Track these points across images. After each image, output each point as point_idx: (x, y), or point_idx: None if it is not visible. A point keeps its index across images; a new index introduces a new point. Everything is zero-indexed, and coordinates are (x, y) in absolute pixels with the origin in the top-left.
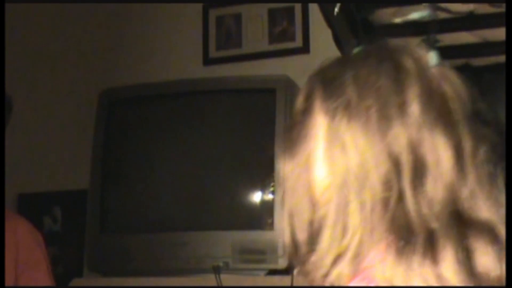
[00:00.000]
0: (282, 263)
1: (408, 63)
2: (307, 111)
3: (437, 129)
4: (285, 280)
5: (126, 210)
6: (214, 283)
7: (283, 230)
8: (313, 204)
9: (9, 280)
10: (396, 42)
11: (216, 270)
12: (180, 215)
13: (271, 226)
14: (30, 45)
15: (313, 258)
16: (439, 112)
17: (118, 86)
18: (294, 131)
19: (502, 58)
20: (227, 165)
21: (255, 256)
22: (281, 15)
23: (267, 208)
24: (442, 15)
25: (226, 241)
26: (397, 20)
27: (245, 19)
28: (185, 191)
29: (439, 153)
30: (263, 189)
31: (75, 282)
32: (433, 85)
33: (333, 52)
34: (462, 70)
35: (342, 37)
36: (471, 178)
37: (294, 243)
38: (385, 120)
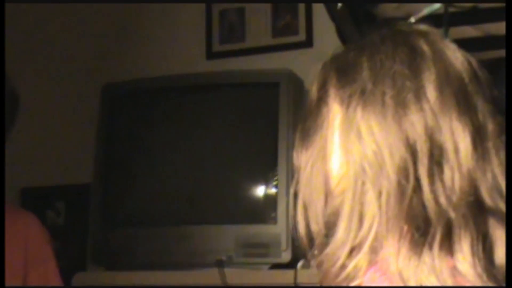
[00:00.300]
0: (285, 257)
1: (424, 46)
2: (321, 100)
3: (455, 115)
4: (289, 274)
5: (129, 204)
6: (217, 277)
7: (298, 222)
8: (328, 195)
9: (17, 276)
10: (411, 25)
11: (220, 264)
12: (183, 209)
13: (274, 220)
14: (33, 40)
15: (329, 249)
16: (457, 96)
17: (122, 80)
18: (309, 121)
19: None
20: (230, 159)
21: (258, 250)
22: (284, 9)
23: (270, 201)
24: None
25: (229, 235)
26: (413, 19)
27: (248, 13)
28: (188, 185)
29: (457, 139)
30: (266, 183)
31: (79, 276)
32: (450, 69)
33: (337, 46)
34: None
35: (345, 31)
36: (494, 163)
37: (309, 235)
38: (401, 107)
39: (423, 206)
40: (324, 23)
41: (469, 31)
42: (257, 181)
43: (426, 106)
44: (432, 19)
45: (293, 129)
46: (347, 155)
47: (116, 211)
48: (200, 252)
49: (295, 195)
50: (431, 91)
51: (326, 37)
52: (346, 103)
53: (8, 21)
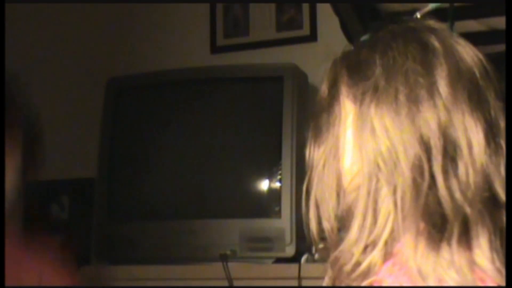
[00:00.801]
0: (289, 251)
1: (435, 42)
2: (333, 97)
3: (467, 110)
4: (293, 268)
5: (133, 198)
6: (221, 271)
7: (310, 219)
8: (341, 192)
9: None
10: (421, 22)
11: (224, 258)
12: (188, 203)
13: (278, 214)
14: (37, 35)
15: (343, 246)
16: (469, 92)
17: (126, 74)
18: (321, 118)
19: None
20: (235, 153)
21: (262, 244)
22: (288, 3)
23: (274, 196)
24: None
25: (233, 229)
26: (418, 15)
27: (252, 7)
28: (192, 179)
29: (470, 135)
30: (270, 177)
31: (83, 270)
32: (461, 64)
33: (341, 40)
34: None
35: (349, 25)
36: (504, 159)
37: (321, 232)
38: (414, 103)
39: (439, 203)
40: (328, 17)
41: (473, 25)
42: (261, 175)
43: (439, 102)
44: (437, 14)
45: (297, 123)
46: (361, 152)
47: (120, 205)
48: (204, 246)
49: (307, 193)
50: (443, 87)
51: (331, 31)
52: (359, 100)
53: (11, 16)
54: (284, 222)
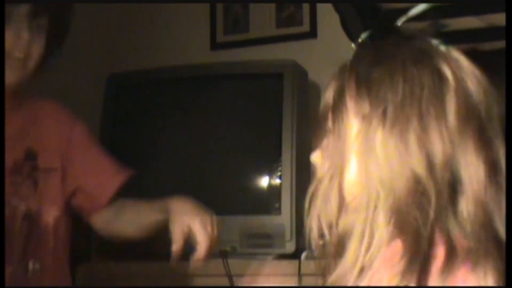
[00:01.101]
0: (289, 248)
1: (448, 73)
2: (340, 109)
3: (472, 147)
4: (293, 265)
5: (134, 194)
6: (221, 268)
7: (311, 228)
8: (342, 208)
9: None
10: (431, 43)
11: (224, 255)
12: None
13: (278, 211)
14: None
15: (339, 271)
16: (475, 129)
17: (126, 71)
18: (326, 127)
19: None
20: (235, 149)
21: (262, 240)
22: (289, 3)
23: (274, 192)
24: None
25: (233, 225)
26: (402, 20)
27: (252, 4)
28: (192, 175)
29: (472, 171)
30: (270, 173)
31: (83, 267)
32: (470, 100)
33: (341, 37)
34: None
35: (349, 22)
36: (504, 195)
37: (322, 243)
38: (423, 133)
39: (436, 235)
40: (328, 14)
41: (473, 21)
42: (261, 172)
43: (445, 135)
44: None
45: (297, 120)
46: (362, 175)
47: None
48: None
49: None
50: (452, 121)
51: (330, 28)
52: (367, 121)
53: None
54: (284, 219)
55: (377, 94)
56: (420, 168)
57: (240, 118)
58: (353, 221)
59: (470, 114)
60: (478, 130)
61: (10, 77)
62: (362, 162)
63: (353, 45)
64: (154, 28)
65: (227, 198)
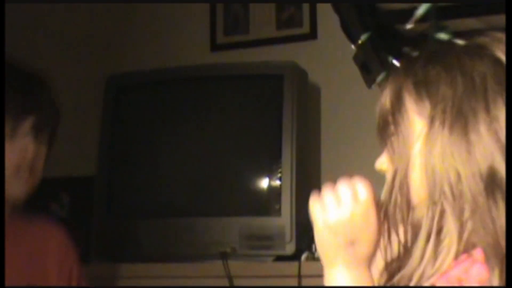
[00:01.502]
0: (289, 249)
1: (502, 57)
2: (400, 111)
3: None
4: (293, 266)
5: (133, 196)
6: (221, 269)
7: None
8: (410, 208)
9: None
10: (483, 35)
11: (224, 256)
12: (188, 201)
13: (278, 212)
14: (37, 32)
15: (404, 272)
16: None
17: (125, 72)
18: (388, 130)
19: None
20: (235, 151)
21: (262, 242)
22: (288, 2)
23: (275, 194)
24: (449, 2)
25: (233, 227)
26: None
27: (252, 5)
28: (192, 176)
29: None
30: (270, 175)
31: (83, 268)
32: None
33: (341, 38)
34: None
35: (349, 23)
36: None
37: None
38: (494, 123)
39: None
40: (328, 15)
41: (472, 23)
42: (261, 173)
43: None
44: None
45: (297, 121)
46: (428, 175)
47: (120, 203)
48: (204, 244)
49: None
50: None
51: (331, 29)
52: (431, 120)
53: (12, 13)
54: (284, 220)
55: (437, 91)
56: (495, 159)
57: (240, 120)
58: (419, 221)
59: None
60: None
61: (18, 192)
62: (426, 160)
63: (353, 46)
64: (154, 29)
65: (227, 199)
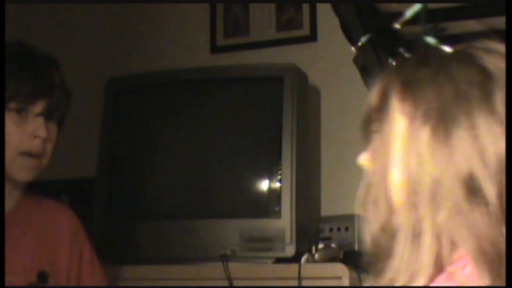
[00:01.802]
0: (289, 251)
1: (494, 68)
2: (385, 109)
3: None
4: (293, 268)
5: (133, 198)
6: (221, 271)
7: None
8: (390, 209)
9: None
10: (475, 43)
11: (224, 258)
12: (188, 203)
13: (278, 214)
14: (37, 34)
15: (389, 274)
16: None
17: (125, 74)
18: (372, 126)
19: None
20: (235, 153)
21: (262, 244)
22: (288, 2)
23: (274, 196)
24: (449, 3)
25: (233, 229)
26: (397, 25)
27: (252, 7)
28: (192, 179)
29: None
30: (270, 177)
31: None
32: None
33: (341, 40)
34: None
35: (349, 25)
36: None
37: (373, 244)
38: (474, 131)
39: (494, 236)
40: (328, 17)
41: (473, 25)
42: (261, 175)
43: (496, 130)
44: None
45: (297, 123)
46: (406, 176)
47: (120, 205)
48: (204, 246)
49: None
50: (501, 115)
51: (331, 31)
52: (413, 119)
53: (11, 14)
54: (284, 222)
55: (422, 94)
56: (474, 167)
57: (240, 122)
58: (398, 224)
59: None
60: None
61: (28, 175)
62: (405, 160)
63: (353, 48)
64: (154, 32)
65: (227, 201)
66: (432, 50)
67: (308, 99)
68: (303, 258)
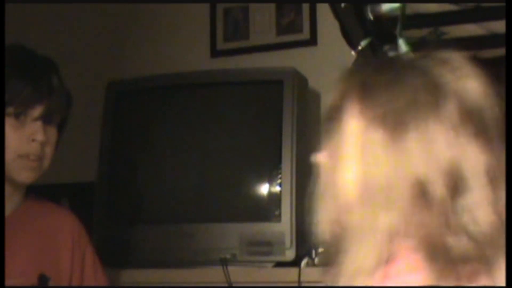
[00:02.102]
0: (289, 255)
1: (447, 78)
2: (341, 110)
3: (474, 146)
4: (292, 272)
5: (133, 202)
6: (221, 275)
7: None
8: (341, 207)
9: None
10: (435, 53)
11: (224, 262)
12: (188, 207)
13: (278, 218)
14: (37, 37)
15: (336, 269)
16: (476, 129)
17: (126, 78)
18: (329, 126)
19: None
20: (235, 157)
21: (262, 248)
22: (288, 6)
23: (274, 199)
24: (449, 7)
25: (233, 233)
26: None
27: (252, 11)
28: (192, 182)
29: (475, 171)
30: (270, 181)
31: None
32: (470, 102)
33: (341, 44)
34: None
35: (349, 29)
36: (503, 194)
37: (324, 240)
38: (425, 138)
39: (445, 241)
40: (328, 21)
41: (473, 28)
42: (261, 179)
43: (447, 137)
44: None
45: (297, 127)
46: (359, 176)
47: (120, 209)
48: (204, 250)
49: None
50: (453, 123)
51: (331, 35)
52: (367, 123)
53: (11, 17)
54: (284, 226)
55: (378, 98)
56: (423, 171)
57: (240, 125)
58: (350, 222)
59: (470, 116)
60: (480, 131)
61: (27, 177)
62: (359, 161)
63: (353, 52)
64: (154, 35)
65: (227, 205)
66: (394, 57)
67: (308, 103)
68: (303, 262)
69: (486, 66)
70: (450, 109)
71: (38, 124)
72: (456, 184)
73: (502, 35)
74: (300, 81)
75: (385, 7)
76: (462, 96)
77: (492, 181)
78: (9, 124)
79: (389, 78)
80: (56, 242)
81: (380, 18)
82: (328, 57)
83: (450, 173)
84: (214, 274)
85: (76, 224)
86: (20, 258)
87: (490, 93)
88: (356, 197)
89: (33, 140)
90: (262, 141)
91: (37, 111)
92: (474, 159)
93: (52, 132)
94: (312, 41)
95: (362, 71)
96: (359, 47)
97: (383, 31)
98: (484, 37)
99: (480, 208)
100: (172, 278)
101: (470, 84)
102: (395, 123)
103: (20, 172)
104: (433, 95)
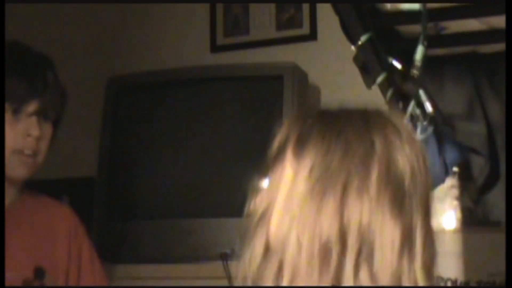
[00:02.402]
0: None
1: (378, 142)
2: (279, 156)
3: (388, 216)
4: None
5: (133, 198)
6: (221, 271)
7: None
8: (267, 250)
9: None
10: (377, 111)
11: (224, 258)
12: (188, 202)
13: None
14: (37, 33)
15: None
16: (394, 197)
17: (126, 74)
18: (269, 168)
19: None
20: (234, 152)
21: None
22: (288, 2)
23: None
24: (449, 3)
25: (233, 228)
26: (388, 7)
27: (252, 5)
28: (192, 177)
29: (386, 240)
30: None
31: None
32: (394, 170)
33: (341, 39)
34: (469, 57)
35: (349, 24)
36: (417, 264)
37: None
38: (343, 200)
39: None
40: (328, 16)
41: (473, 24)
42: (262, 174)
43: (365, 203)
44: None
45: None
46: (283, 224)
47: (120, 204)
48: (204, 246)
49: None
50: (372, 189)
51: (330, 30)
52: (296, 174)
53: (11, 16)
54: None
55: (310, 152)
56: (331, 231)
57: (240, 121)
58: (265, 268)
59: (391, 184)
60: (397, 200)
61: (22, 172)
62: (283, 212)
63: (353, 47)
64: (154, 31)
65: (226, 200)
66: (338, 111)
67: (308, 98)
68: None
69: (485, 61)
70: (374, 175)
71: (33, 119)
72: (360, 250)
73: (502, 30)
74: (300, 76)
75: (405, 6)
76: (387, 164)
77: (401, 249)
78: (5, 120)
79: (324, 133)
80: (52, 235)
81: (380, 14)
82: (328, 52)
83: (359, 237)
84: (214, 269)
85: (72, 218)
86: (16, 251)
87: (419, 162)
88: (275, 244)
89: (28, 135)
90: (262, 137)
91: (32, 106)
92: (387, 227)
93: (47, 127)
94: (312, 36)
95: (304, 120)
96: (359, 42)
97: (383, 26)
98: (484, 32)
99: (380, 274)
100: (172, 273)
101: (401, 151)
102: (320, 178)
103: (15, 168)
104: (363, 160)
